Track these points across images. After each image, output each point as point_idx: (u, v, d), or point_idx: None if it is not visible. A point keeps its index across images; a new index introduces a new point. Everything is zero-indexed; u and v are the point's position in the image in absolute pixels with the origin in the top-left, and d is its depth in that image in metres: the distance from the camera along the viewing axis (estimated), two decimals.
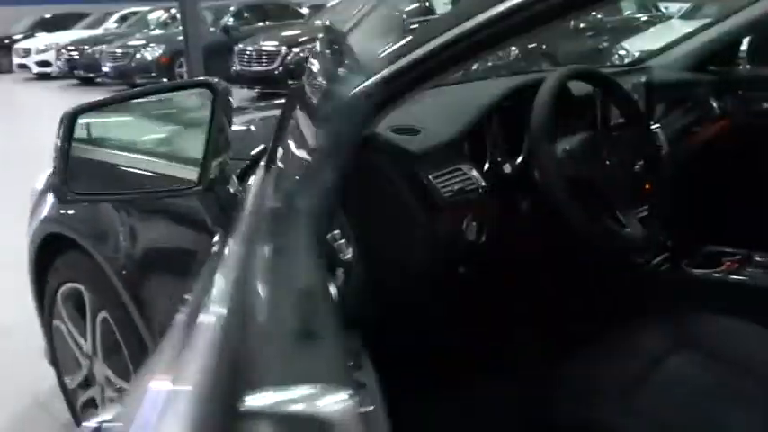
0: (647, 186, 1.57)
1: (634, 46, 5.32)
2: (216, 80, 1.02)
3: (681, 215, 1.82)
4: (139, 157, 1.18)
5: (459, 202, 1.35)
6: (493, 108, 1.56)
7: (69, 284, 1.97)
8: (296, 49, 9.30)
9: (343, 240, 0.99)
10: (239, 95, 9.97)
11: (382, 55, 1.21)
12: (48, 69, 14.25)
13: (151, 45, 11.62)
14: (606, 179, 1.45)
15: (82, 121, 1.11)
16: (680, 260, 1.73)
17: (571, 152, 1.43)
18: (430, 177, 1.33)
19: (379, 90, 1.17)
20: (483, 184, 1.40)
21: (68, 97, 12.21)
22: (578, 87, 1.61)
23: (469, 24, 1.04)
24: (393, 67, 1.15)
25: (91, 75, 12.70)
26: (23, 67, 14.84)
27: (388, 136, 1.35)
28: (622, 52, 5.43)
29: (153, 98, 1.17)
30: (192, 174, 1.03)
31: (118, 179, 1.16)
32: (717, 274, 1.67)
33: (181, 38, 10.93)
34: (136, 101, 1.16)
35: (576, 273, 1.66)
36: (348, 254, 1.00)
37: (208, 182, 1.01)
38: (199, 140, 1.01)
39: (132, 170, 1.14)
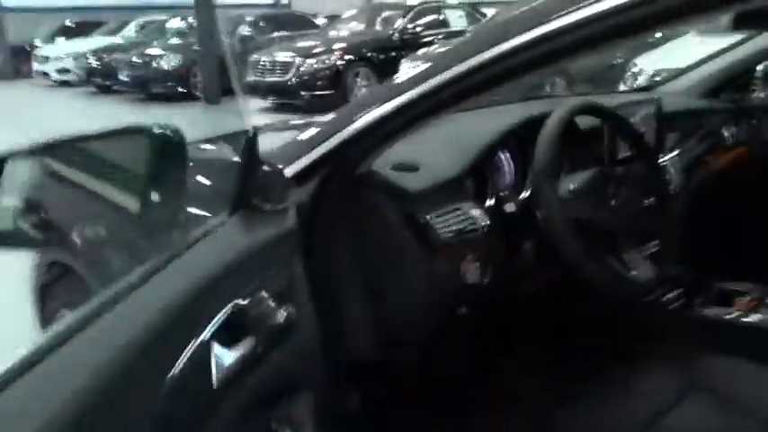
0: (656, 223, 1.52)
1: (649, 62, 5.25)
2: (152, 127, 0.98)
3: (693, 250, 1.77)
4: (73, 206, 1.14)
5: (459, 244, 1.31)
6: (497, 142, 1.52)
7: (68, 309, 1.97)
8: (310, 60, 9.30)
9: (271, 304, 0.95)
10: (253, 106, 9.98)
11: (380, 91, 1.18)
12: (66, 77, 14.35)
13: (168, 54, 11.67)
14: (612, 219, 1.41)
15: (6, 168, 1.07)
16: (692, 298, 1.68)
17: (576, 191, 1.38)
18: (427, 218, 1.29)
19: (373, 129, 1.14)
20: (484, 223, 1.36)
21: (84, 105, 12.31)
22: (585, 120, 1.57)
23: (482, 58, 1.01)
24: (389, 106, 1.12)
25: (108, 83, 12.78)
26: (43, 73, 14.99)
27: (385, 173, 1.31)
28: (636, 69, 5.36)
29: (86, 144, 1.12)
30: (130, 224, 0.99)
31: (47, 228, 1.13)
32: (730, 314, 1.62)
33: (197, 47, 11.04)
34: (66, 148, 1.12)
35: (581, 311, 1.62)
36: (279, 318, 0.95)
37: (141, 232, 0.98)
38: (137, 191, 0.98)
39: (63, 221, 1.10)
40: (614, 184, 1.43)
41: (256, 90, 9.93)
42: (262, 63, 9.72)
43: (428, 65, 1.08)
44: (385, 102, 1.10)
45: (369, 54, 9.55)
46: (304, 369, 1.05)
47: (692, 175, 1.87)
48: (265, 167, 1.04)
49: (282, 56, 9.58)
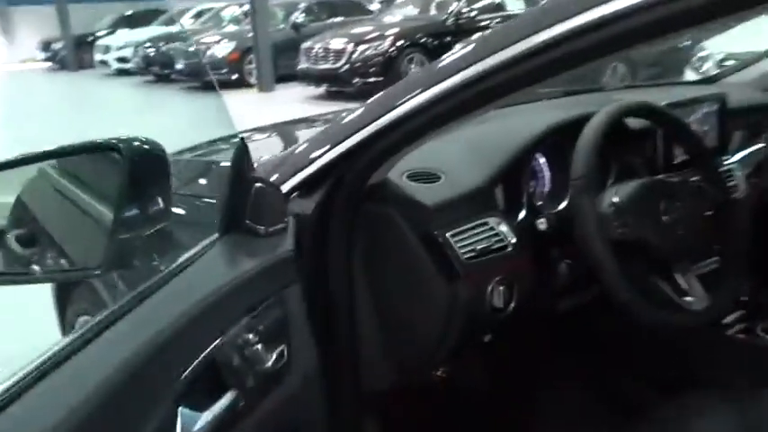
0: (717, 238, 1.33)
1: (718, 45, 4.91)
2: (127, 143, 0.85)
3: (759, 267, 1.56)
4: (38, 229, 1.03)
5: (483, 265, 1.15)
6: (533, 145, 1.34)
7: (85, 316, 1.94)
8: (362, 47, 9.17)
9: (258, 347, 0.82)
10: (305, 93, 9.95)
11: (397, 90, 1.03)
12: (126, 66, 14.65)
13: (222, 42, 11.72)
14: (663, 238, 1.22)
15: None
16: (756, 322, 1.47)
17: (620, 205, 1.20)
18: (447, 236, 1.14)
19: (391, 132, 0.99)
20: (513, 240, 1.20)
21: (140, 93, 12.54)
22: (636, 120, 1.38)
23: (508, 53, 0.85)
24: (407, 106, 0.97)
25: (166, 71, 12.95)
26: (104, 63, 15.34)
27: (401, 184, 1.17)
28: (703, 53, 5.03)
29: (59, 161, 1.01)
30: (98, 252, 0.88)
31: (9, 255, 1.02)
32: None
33: (251, 34, 11.04)
34: (37, 164, 1.01)
35: (623, 338, 1.43)
36: (268, 361, 0.82)
37: (109, 262, 0.87)
38: (107, 212, 0.86)
39: (27, 245, 1.00)
40: (666, 197, 1.24)
41: (308, 77, 9.88)
42: (314, 50, 9.65)
43: (467, 50, 0.91)
44: (407, 98, 0.94)
45: (422, 39, 9.34)
46: (300, 413, 0.93)
47: (759, 179, 1.65)
48: (258, 184, 0.91)
49: (335, 43, 9.48)
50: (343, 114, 1.06)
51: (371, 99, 1.02)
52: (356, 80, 9.08)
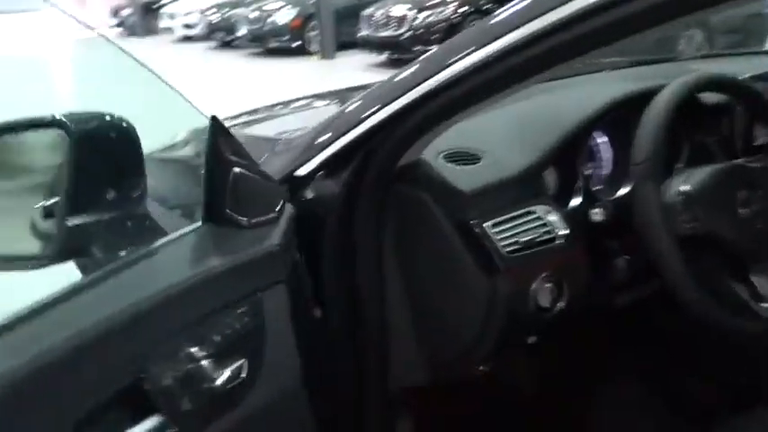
0: None
1: None
2: (77, 119, 0.75)
3: None
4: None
5: (527, 259, 1.02)
6: (592, 122, 1.19)
7: None
8: (424, 13, 8.98)
9: (206, 362, 0.69)
10: (367, 61, 9.82)
11: (427, 60, 0.91)
12: (190, 32, 14.83)
13: (285, 8, 11.68)
14: (740, 233, 1.06)
15: None
16: None
17: (691, 195, 1.04)
18: (486, 225, 1.01)
19: (423, 107, 0.87)
20: (564, 231, 1.06)
21: (204, 59, 12.64)
22: (712, 96, 1.21)
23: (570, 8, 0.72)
24: (441, 77, 0.85)
25: (229, 38, 13.03)
26: (168, 29, 15.56)
27: (436, 165, 1.04)
28: None
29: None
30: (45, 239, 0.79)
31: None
32: None
33: (314, 1, 10.95)
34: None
35: (691, 334, 1.28)
36: (229, 380, 0.70)
37: (57, 252, 0.77)
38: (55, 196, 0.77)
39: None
40: (746, 185, 1.08)
41: (369, 45, 9.77)
42: (375, 17, 9.51)
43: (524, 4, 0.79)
44: (447, 64, 0.83)
45: (486, 6, 9.06)
46: None
47: None
48: (237, 169, 0.79)
49: (397, 9, 9.33)
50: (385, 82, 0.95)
51: (414, 64, 0.91)
52: (418, 47, 8.87)
